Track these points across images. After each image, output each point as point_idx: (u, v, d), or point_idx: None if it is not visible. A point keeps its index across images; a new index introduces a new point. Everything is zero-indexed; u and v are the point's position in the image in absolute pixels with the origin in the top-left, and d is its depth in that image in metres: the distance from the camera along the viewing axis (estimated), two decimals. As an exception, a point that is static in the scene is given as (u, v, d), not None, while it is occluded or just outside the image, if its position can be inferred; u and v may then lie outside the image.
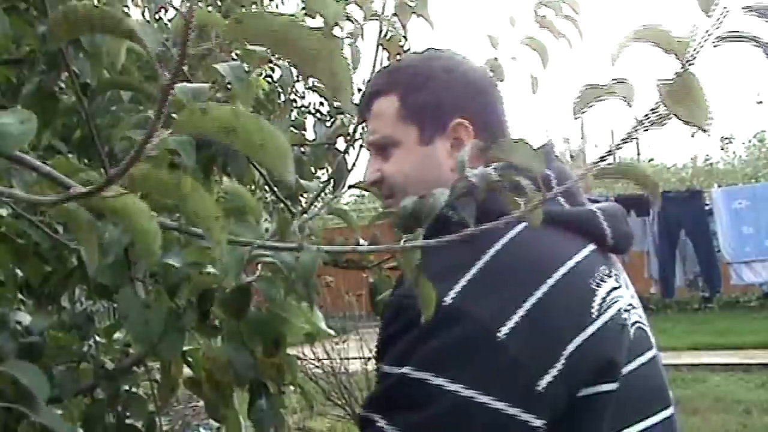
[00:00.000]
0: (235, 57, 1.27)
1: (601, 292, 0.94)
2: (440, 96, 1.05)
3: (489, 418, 0.83)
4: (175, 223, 0.61)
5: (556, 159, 1.07)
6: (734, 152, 14.64)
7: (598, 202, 1.13)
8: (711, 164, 13.90)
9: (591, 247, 0.99)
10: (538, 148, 1.04)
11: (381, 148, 1.08)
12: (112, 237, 0.54)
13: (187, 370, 1.19)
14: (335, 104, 1.51)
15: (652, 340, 1.03)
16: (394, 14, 1.04)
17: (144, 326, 0.69)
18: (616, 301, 0.96)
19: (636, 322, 0.99)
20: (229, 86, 1.07)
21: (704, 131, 0.57)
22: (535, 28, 1.22)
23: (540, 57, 1.21)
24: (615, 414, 0.92)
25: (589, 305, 0.92)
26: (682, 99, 0.56)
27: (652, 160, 14.08)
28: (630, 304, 1.00)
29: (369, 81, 1.10)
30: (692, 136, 17.14)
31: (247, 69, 0.70)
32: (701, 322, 9.48)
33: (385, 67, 1.11)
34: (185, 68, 0.93)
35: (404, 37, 1.07)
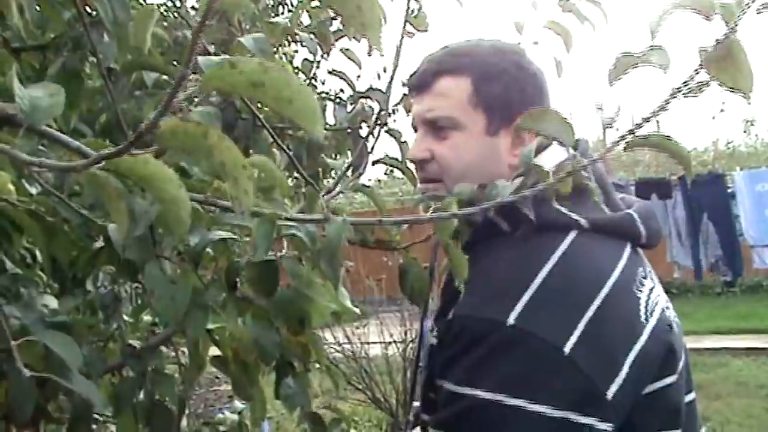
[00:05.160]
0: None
1: (643, 297, 0.97)
2: (511, 91, 1.04)
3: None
4: (201, 195, 0.61)
5: (591, 155, 1.08)
6: (756, 135, 14.43)
7: (621, 186, 1.13)
8: (733, 147, 13.72)
9: (628, 249, 1.00)
10: (577, 141, 1.05)
11: (437, 128, 1.05)
12: (142, 209, 0.54)
13: (213, 350, 1.20)
14: (357, 89, 1.50)
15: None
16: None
17: (170, 301, 0.69)
18: (657, 303, 0.99)
19: (675, 318, 1.01)
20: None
21: (746, 98, 0.55)
22: (558, 12, 1.21)
23: (564, 41, 1.19)
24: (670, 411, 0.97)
25: (637, 313, 0.94)
26: (725, 65, 0.54)
27: (673, 143, 13.89)
28: (667, 302, 1.02)
29: (427, 58, 1.08)
30: (713, 118, 16.91)
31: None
32: (723, 306, 9.39)
33: (446, 47, 1.09)
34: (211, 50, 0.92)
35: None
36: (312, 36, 1.02)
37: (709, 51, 0.55)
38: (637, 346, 0.91)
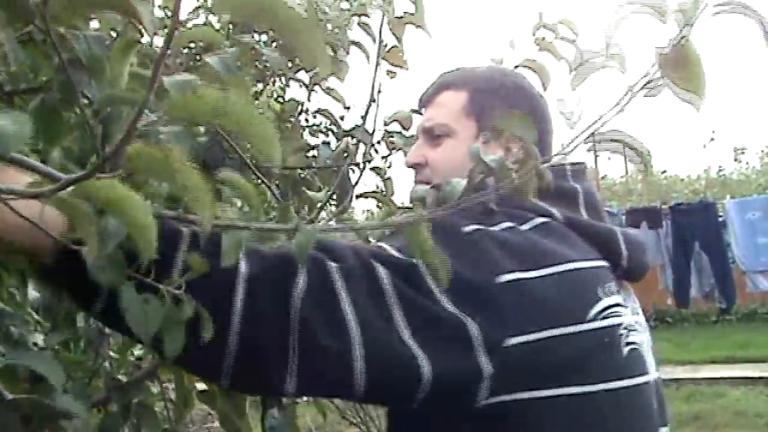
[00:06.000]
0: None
1: (605, 302, 0.95)
2: (504, 105, 1.08)
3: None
4: (173, 212, 0.63)
5: (589, 181, 1.10)
6: (747, 163, 14.54)
7: (612, 214, 1.15)
8: (724, 175, 13.82)
9: (603, 262, 1.00)
10: (576, 164, 1.08)
11: (433, 136, 1.11)
12: (111, 229, 0.55)
13: (201, 385, 1.21)
14: (343, 128, 1.54)
15: (649, 365, 1.01)
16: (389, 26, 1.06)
17: (144, 320, 0.70)
18: (617, 316, 0.96)
19: (631, 343, 0.98)
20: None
21: (697, 101, 0.58)
22: (535, 50, 1.25)
23: (540, 78, 1.23)
24: (587, 427, 0.92)
25: (588, 307, 0.93)
26: (678, 66, 0.57)
27: (665, 171, 14.01)
28: (630, 326, 0.99)
29: (439, 76, 1.15)
30: (704, 147, 17.06)
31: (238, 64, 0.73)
32: (719, 335, 9.35)
33: (456, 68, 1.16)
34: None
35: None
36: (276, 54, 1.05)
37: (664, 52, 0.57)
38: (566, 330, 0.89)
